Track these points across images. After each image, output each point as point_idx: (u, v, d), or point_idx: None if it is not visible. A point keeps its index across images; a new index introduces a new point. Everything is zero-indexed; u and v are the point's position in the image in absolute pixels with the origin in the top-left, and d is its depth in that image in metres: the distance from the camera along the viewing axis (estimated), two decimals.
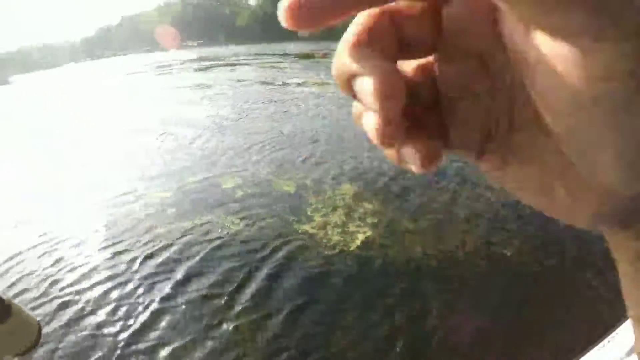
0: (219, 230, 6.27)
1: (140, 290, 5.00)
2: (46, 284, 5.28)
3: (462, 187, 6.90)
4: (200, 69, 30.70)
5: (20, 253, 6.04)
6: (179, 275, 5.18)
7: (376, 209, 6.51)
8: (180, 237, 6.11)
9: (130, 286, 5.11)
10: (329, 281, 4.95)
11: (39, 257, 5.95)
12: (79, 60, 71.79)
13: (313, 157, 8.94)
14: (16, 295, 4.94)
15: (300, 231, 6.01)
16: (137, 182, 8.34)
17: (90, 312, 4.71)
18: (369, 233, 5.82)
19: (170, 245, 5.92)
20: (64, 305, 4.83)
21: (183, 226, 6.43)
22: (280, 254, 5.54)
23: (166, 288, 4.97)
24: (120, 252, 5.88)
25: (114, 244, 6.11)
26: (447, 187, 6.95)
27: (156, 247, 5.87)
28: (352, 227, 6.00)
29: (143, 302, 4.80)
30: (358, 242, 5.62)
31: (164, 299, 4.79)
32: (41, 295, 5.06)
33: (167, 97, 19.13)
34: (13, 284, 5.31)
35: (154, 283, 5.10)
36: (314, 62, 28.99)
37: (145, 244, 6.01)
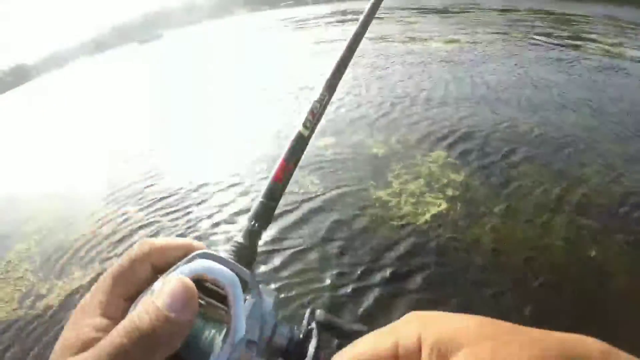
0: (298, 190, 6.28)
1: None
2: None
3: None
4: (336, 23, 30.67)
5: None
6: None
7: (462, 180, 6.09)
8: None
9: None
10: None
11: None
12: (216, 17, 74.94)
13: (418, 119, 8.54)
14: None
15: (374, 197, 5.82)
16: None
17: None
18: (443, 206, 5.47)
19: None
20: None
21: None
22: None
23: None
24: None
25: None
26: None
27: None
28: (428, 198, 5.68)
29: None
30: (427, 217, 5.31)
31: None
32: None
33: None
34: None
35: None
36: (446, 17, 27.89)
37: None
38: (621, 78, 11.76)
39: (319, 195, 6.15)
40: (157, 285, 0.43)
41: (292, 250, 5.03)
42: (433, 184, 6.02)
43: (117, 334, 0.37)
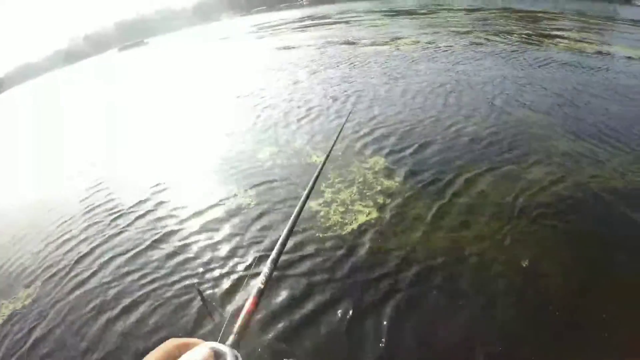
0: (232, 203, 6.16)
1: None
2: None
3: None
4: (299, 29, 30.65)
5: None
6: None
7: (395, 187, 5.96)
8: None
9: None
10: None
11: None
12: (194, 25, 75.12)
13: (355, 124, 8.41)
14: None
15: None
16: None
17: None
18: (372, 215, 5.31)
19: None
20: None
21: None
22: None
23: None
24: None
25: None
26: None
27: None
28: (358, 207, 5.52)
29: None
30: (354, 226, 5.14)
31: None
32: None
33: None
34: None
35: None
36: (414, 19, 28.06)
37: None
38: (580, 73, 11.79)
39: (250, 207, 6.00)
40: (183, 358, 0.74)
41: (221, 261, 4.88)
42: (365, 191, 5.88)
43: None
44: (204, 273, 4.85)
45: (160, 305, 4.45)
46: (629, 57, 14.76)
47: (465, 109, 8.93)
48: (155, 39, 61.78)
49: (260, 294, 1.03)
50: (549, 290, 3.92)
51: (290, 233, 1.32)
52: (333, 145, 1.96)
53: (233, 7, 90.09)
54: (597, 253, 4.35)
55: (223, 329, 1.01)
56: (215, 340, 0.83)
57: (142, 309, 4.46)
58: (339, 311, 3.94)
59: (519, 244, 4.59)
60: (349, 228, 5.14)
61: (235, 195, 6.52)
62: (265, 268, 1.14)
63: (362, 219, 5.29)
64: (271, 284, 4.16)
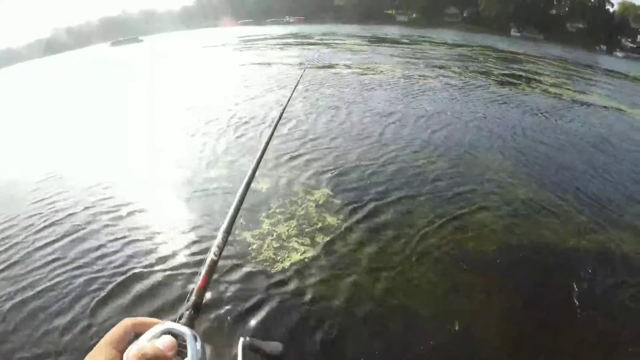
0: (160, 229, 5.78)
1: None
2: None
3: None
4: (277, 45, 30.58)
5: None
6: None
7: (336, 224, 5.67)
8: None
9: None
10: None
11: None
12: (176, 29, 74.97)
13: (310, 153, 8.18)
14: None
15: (238, 238, 5.32)
16: None
17: None
18: (307, 255, 5.01)
19: None
20: None
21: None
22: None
23: None
24: None
25: None
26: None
27: None
28: (294, 243, 5.22)
29: None
30: (286, 264, 4.83)
31: None
32: None
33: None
34: None
35: None
36: (394, 48, 28.27)
37: None
38: (553, 120, 11.86)
39: (183, 232, 5.61)
40: (141, 340, 0.73)
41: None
42: (304, 227, 5.57)
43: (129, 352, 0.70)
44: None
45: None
46: (605, 107, 14.97)
47: (422, 143, 8.91)
48: (150, 38, 61.14)
49: (211, 271, 0.99)
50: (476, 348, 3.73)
51: (238, 211, 1.30)
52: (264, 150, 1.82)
53: (218, 17, 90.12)
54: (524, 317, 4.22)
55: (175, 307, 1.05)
56: (170, 319, 0.82)
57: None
58: None
59: (454, 296, 4.42)
60: (279, 266, 4.81)
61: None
62: (213, 247, 1.06)
63: (295, 257, 4.97)
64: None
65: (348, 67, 19.37)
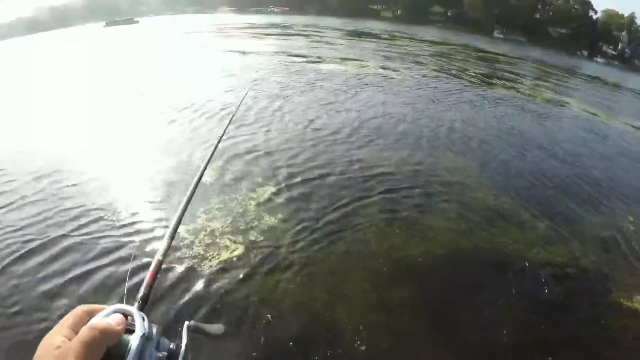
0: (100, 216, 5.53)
1: None
2: None
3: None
4: (255, 35, 30.24)
5: None
6: None
7: (273, 224, 5.48)
8: None
9: None
10: None
11: None
12: (160, 13, 73.94)
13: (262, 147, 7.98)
14: None
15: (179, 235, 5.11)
16: None
17: None
18: (237, 252, 4.82)
19: None
20: None
21: None
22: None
23: None
24: None
25: None
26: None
27: None
28: (226, 240, 5.02)
29: None
30: (213, 262, 4.64)
31: None
32: None
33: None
34: None
35: None
36: (373, 43, 28.19)
37: None
38: (526, 123, 11.83)
39: (118, 225, 5.36)
40: (93, 321, 0.77)
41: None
42: (240, 224, 5.36)
43: (84, 330, 0.72)
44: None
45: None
46: (579, 112, 15.05)
47: (382, 143, 8.76)
48: (146, 20, 60.12)
49: (158, 269, 1.07)
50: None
51: (186, 209, 1.36)
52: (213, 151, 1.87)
53: (201, 3, 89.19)
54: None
55: (125, 297, 0.99)
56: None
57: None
58: None
59: (387, 306, 4.25)
60: (206, 264, 4.62)
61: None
62: (163, 242, 1.15)
63: (224, 255, 4.77)
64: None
65: (324, 60, 19.17)
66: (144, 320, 0.81)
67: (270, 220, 5.53)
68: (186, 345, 0.88)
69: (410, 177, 7.23)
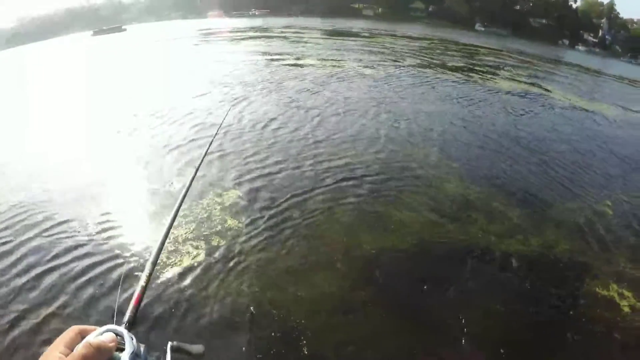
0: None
1: None
2: None
3: None
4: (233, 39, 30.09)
5: None
6: None
7: (238, 228, 5.39)
8: None
9: None
10: None
11: None
12: (142, 21, 73.60)
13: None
14: None
15: (132, 242, 5.02)
16: None
17: None
18: (199, 258, 4.69)
19: None
20: None
21: None
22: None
23: None
24: None
25: None
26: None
27: None
28: (188, 246, 4.88)
29: None
30: (176, 269, 4.52)
31: None
32: None
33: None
34: None
35: None
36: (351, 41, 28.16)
37: None
38: (503, 113, 11.76)
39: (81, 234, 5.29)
40: (87, 339, 0.81)
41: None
42: (204, 230, 5.26)
43: (80, 348, 0.77)
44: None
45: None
46: (559, 99, 15.00)
47: (348, 137, 8.81)
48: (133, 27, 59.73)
49: (144, 290, 1.13)
50: None
51: (167, 235, 1.39)
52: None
53: (185, 8, 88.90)
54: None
55: (115, 318, 1.02)
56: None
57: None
58: None
59: (352, 306, 4.21)
60: (168, 271, 4.49)
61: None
62: (146, 268, 1.21)
63: (186, 262, 4.65)
64: None
65: (294, 59, 19.13)
66: (132, 339, 0.88)
67: (235, 223, 5.49)
68: None
69: (383, 170, 7.25)
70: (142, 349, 0.90)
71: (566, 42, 73.20)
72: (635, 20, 78.95)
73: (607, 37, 76.38)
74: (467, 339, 3.86)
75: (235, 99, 11.62)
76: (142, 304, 1.07)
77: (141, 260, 4.86)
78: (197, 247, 4.91)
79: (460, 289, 4.52)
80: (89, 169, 7.30)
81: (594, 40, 76.15)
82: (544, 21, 78.87)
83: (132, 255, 4.90)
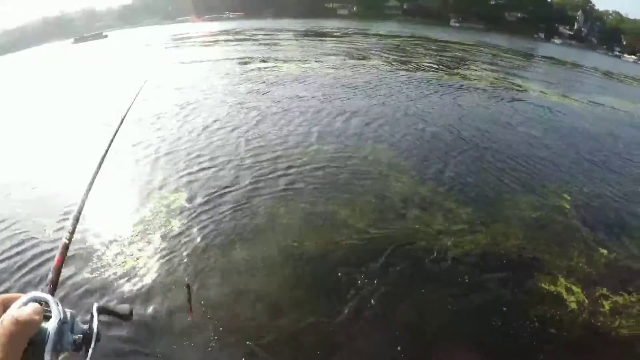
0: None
1: None
2: None
3: None
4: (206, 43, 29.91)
5: None
6: None
7: (177, 232, 5.34)
8: None
9: None
10: None
11: None
12: (116, 28, 73.24)
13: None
14: None
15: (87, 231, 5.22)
16: None
17: None
18: (141, 261, 4.76)
19: None
20: None
21: None
22: None
23: None
24: None
25: None
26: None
27: None
28: (133, 249, 4.86)
29: None
30: (121, 270, 4.59)
31: None
32: None
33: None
34: None
35: None
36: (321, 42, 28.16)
37: None
38: (473, 113, 11.66)
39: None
40: (10, 310, 0.78)
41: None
42: (148, 231, 5.32)
43: (7, 325, 0.73)
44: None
45: None
46: (531, 92, 14.96)
47: (302, 136, 8.81)
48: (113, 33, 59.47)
49: (65, 252, 1.10)
50: None
51: (89, 192, 1.38)
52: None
53: (160, 14, 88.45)
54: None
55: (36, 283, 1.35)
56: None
57: None
58: None
59: (293, 307, 4.20)
60: (110, 271, 4.55)
61: None
62: (67, 229, 1.18)
63: (130, 263, 4.71)
64: None
65: (256, 61, 19.14)
66: (58, 305, 0.83)
67: (175, 225, 5.48)
68: (97, 326, 0.89)
69: (332, 169, 7.22)
70: (68, 314, 0.85)
71: (542, 35, 73.77)
72: (610, 12, 80.00)
73: (583, 29, 77.23)
74: (409, 333, 3.88)
75: (187, 103, 11.69)
76: (67, 267, 0.99)
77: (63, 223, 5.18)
78: (141, 250, 4.91)
79: (404, 288, 4.47)
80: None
81: (570, 33, 76.89)
82: (519, 15, 79.47)
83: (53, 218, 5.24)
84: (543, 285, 4.64)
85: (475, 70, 19.68)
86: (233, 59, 20.17)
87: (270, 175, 6.83)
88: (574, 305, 4.35)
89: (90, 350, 0.86)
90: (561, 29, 78.75)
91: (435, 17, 74.78)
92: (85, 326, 0.88)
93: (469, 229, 5.60)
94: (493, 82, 16.74)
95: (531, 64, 27.29)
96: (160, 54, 25.60)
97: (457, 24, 73.85)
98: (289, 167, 7.16)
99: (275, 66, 17.72)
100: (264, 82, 14.19)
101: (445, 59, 23.12)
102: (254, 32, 36.99)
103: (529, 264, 5.01)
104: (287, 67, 17.59)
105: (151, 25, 75.86)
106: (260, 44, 27.31)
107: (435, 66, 19.50)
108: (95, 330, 0.88)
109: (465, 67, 20.55)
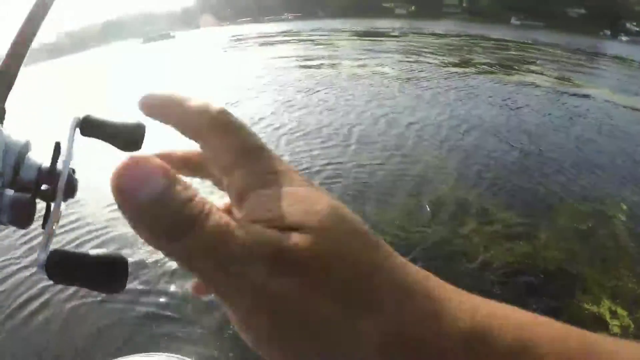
0: None
1: None
2: None
3: None
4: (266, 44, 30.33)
5: None
6: None
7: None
8: None
9: None
10: None
11: None
12: (177, 30, 75.57)
13: None
14: None
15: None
16: None
17: None
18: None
19: None
20: None
21: None
22: None
23: None
24: None
25: None
26: None
27: None
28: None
29: None
30: None
31: None
32: None
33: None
34: None
35: None
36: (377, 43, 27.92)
37: None
38: (537, 118, 11.16)
39: None
40: None
41: None
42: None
43: None
44: None
45: None
46: (596, 98, 14.08)
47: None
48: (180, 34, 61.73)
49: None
50: None
51: None
52: None
53: (218, 16, 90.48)
54: None
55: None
56: None
57: None
58: None
59: None
60: None
61: None
62: None
63: None
64: None
65: (324, 64, 19.05)
66: None
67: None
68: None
69: (356, 167, 7.22)
70: (15, 140, 0.51)
71: (607, 32, 70.58)
72: None
73: None
74: None
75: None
76: None
77: None
78: None
79: None
80: None
81: (638, 29, 73.22)
82: (581, 11, 76.46)
83: None
84: (584, 305, 4.29)
85: (534, 71, 18.92)
86: (295, 60, 20.36)
87: (306, 172, 6.73)
88: (617, 330, 3.99)
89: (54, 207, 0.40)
90: (628, 25, 75.16)
91: (495, 16, 73.05)
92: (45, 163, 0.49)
93: (506, 235, 5.32)
94: (553, 83, 16.02)
95: (595, 64, 25.98)
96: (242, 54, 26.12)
97: (518, 22, 71.77)
98: (327, 164, 7.15)
99: (334, 66, 17.70)
100: (317, 82, 14.24)
101: (503, 58, 22.42)
102: (310, 34, 37.20)
103: (571, 279, 4.66)
104: (340, 66, 17.55)
105: (213, 27, 77.58)
106: (318, 45, 27.41)
107: (490, 66, 18.92)
108: (66, 171, 0.43)
109: (524, 67, 19.81)
